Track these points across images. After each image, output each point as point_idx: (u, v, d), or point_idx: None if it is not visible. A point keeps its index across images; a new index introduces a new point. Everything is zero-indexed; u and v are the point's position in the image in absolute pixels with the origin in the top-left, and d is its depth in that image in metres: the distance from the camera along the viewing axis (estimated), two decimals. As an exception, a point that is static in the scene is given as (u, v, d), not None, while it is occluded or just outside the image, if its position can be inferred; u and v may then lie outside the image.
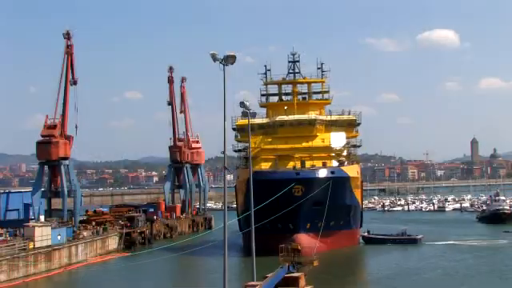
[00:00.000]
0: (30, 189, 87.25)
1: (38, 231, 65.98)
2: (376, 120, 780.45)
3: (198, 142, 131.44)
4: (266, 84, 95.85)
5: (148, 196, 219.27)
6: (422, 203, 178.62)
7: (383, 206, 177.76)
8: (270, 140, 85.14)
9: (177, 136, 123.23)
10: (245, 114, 46.95)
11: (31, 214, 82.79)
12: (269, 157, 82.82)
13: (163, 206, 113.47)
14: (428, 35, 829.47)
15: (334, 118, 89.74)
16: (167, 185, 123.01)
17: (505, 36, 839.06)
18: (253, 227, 44.99)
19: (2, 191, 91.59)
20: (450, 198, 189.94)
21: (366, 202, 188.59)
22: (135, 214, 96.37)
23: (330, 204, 71.90)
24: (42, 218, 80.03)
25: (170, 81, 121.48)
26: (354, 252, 78.95)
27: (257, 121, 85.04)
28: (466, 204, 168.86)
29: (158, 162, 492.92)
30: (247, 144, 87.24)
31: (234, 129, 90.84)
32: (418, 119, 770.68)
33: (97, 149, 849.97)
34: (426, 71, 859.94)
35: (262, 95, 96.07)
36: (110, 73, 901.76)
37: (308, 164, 79.24)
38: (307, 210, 71.52)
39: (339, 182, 74.91)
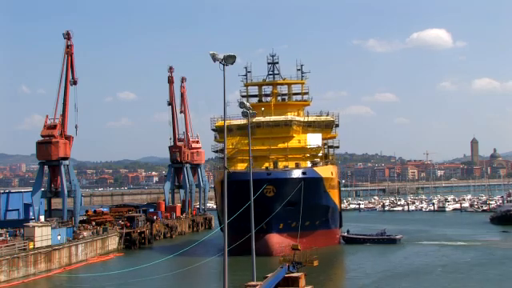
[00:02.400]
0: (30, 189, 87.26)
1: (38, 231, 65.88)
2: (375, 120, 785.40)
3: (197, 142, 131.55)
4: (246, 85, 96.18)
5: (148, 196, 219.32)
6: (421, 203, 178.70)
7: (383, 206, 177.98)
8: (246, 141, 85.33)
9: (177, 136, 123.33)
10: (245, 114, 47.01)
11: (31, 214, 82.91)
12: (245, 158, 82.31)
13: (163, 206, 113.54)
14: (424, 34, 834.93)
15: (311, 119, 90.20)
16: (167, 185, 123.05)
17: (499, 35, 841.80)
18: (253, 227, 45.10)
19: (2, 191, 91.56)
20: (449, 198, 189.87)
21: (366, 201, 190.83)
22: (135, 214, 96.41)
23: (304, 204, 71.93)
24: (42, 218, 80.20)
25: (170, 81, 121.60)
26: (333, 252, 78.26)
27: (235, 122, 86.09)
28: (466, 204, 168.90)
29: (158, 161, 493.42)
30: (228, 145, 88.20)
31: (213, 130, 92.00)
32: (417, 119, 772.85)
33: (97, 149, 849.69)
34: (423, 71, 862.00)
35: (243, 96, 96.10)
36: (109, 73, 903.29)
37: (281, 165, 79.64)
38: (279, 211, 71.54)
39: (312, 183, 74.89)
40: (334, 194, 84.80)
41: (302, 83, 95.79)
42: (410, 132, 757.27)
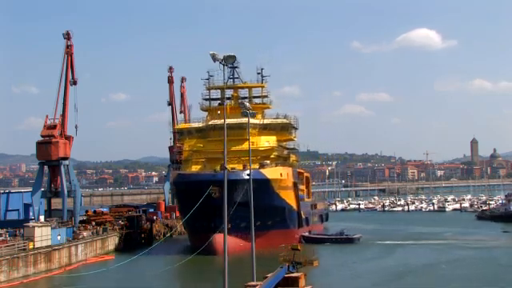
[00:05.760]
0: (30, 189, 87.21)
1: (37, 231, 65.81)
2: (373, 120, 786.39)
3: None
4: (208, 89, 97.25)
5: (148, 196, 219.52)
6: (421, 203, 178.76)
7: (383, 206, 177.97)
8: (202, 143, 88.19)
9: (177, 136, 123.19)
10: (245, 115, 47.07)
11: (31, 214, 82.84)
12: (199, 159, 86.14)
13: (163, 206, 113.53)
14: (413, 35, 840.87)
15: (266, 121, 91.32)
16: (167, 185, 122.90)
17: (492, 36, 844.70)
18: (252, 226, 45.16)
19: (2, 191, 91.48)
20: (449, 198, 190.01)
21: (365, 201, 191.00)
22: (135, 215, 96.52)
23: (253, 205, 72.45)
24: (42, 218, 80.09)
25: (170, 81, 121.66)
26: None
27: (194, 125, 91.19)
28: (466, 204, 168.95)
29: (157, 161, 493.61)
30: (184, 147, 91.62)
31: (175, 132, 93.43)
32: (414, 119, 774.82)
33: (97, 149, 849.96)
34: (416, 71, 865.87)
35: (205, 99, 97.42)
36: (109, 73, 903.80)
37: (229, 167, 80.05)
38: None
39: (258, 184, 74.56)
40: (288, 195, 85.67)
41: (262, 86, 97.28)
42: (405, 132, 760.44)
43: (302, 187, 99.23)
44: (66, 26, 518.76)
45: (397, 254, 75.62)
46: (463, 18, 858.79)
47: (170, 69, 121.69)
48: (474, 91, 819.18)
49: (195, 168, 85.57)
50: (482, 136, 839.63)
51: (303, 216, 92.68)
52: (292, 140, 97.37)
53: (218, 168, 78.58)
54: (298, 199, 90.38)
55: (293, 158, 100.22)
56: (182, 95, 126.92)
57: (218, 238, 72.63)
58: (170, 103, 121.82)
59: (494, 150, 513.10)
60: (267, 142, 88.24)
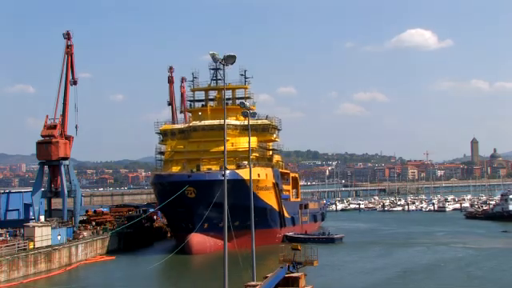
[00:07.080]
0: (30, 189, 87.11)
1: (38, 231, 65.87)
2: (373, 120, 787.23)
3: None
4: (192, 90, 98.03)
5: (148, 196, 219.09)
6: (421, 203, 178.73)
7: (383, 206, 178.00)
8: (183, 144, 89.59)
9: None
10: (245, 115, 47.13)
11: (31, 214, 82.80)
12: (180, 160, 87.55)
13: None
14: (410, 35, 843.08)
15: (246, 122, 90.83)
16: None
17: (488, 36, 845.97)
18: (253, 226, 45.18)
19: (2, 191, 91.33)
20: (450, 198, 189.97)
21: (366, 201, 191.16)
22: (135, 215, 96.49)
23: (229, 205, 72.23)
24: (42, 218, 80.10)
25: (170, 81, 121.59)
26: (273, 250, 75.95)
27: (177, 126, 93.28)
28: (466, 204, 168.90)
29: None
30: (167, 148, 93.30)
31: (157, 133, 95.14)
32: (412, 120, 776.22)
33: (97, 149, 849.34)
34: (416, 71, 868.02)
35: (189, 101, 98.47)
36: (109, 73, 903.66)
37: (205, 167, 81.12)
38: (203, 211, 72.50)
39: (233, 185, 74.77)
40: (267, 196, 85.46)
41: (245, 88, 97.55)
42: (405, 132, 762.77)
43: (287, 187, 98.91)
44: (66, 26, 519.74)
45: (370, 254, 76.68)
46: (458, 18, 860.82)
47: (170, 69, 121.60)
48: (472, 91, 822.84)
49: (175, 169, 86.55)
50: (482, 136, 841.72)
51: (288, 216, 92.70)
52: (274, 141, 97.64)
53: (194, 169, 79.49)
54: (280, 199, 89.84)
55: (277, 158, 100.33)
56: (182, 95, 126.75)
57: (194, 238, 74.94)
58: (170, 103, 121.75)
59: (494, 149, 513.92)
60: (247, 142, 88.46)
